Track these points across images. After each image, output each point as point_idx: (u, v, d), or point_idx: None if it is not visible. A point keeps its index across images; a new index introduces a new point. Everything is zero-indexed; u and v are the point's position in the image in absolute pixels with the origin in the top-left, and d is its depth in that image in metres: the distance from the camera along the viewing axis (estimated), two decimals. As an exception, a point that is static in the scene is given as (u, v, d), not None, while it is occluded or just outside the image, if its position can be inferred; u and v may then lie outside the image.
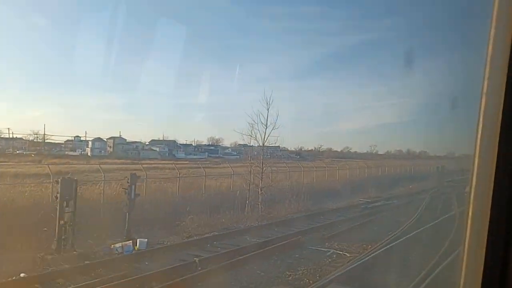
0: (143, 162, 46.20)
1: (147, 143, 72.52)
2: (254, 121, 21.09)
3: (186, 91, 74.62)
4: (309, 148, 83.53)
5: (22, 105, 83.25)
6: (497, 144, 1.26)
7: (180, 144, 73.92)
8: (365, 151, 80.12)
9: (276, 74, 77.35)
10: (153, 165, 36.38)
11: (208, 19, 60.36)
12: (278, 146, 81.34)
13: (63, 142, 72.37)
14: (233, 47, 65.87)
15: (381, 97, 78.11)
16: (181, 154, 68.21)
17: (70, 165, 33.31)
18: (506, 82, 1.25)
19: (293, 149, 79.65)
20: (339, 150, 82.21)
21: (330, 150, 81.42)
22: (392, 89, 65.57)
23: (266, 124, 21.20)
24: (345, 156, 75.32)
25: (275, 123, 21.02)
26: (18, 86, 78.88)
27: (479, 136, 1.29)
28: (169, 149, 70.76)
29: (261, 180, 20.83)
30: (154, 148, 68.84)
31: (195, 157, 63.97)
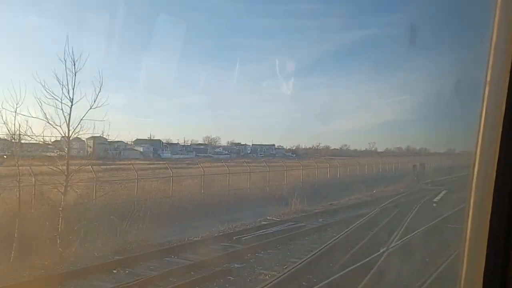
0: (118, 162, 41.59)
1: (131, 142, 67.84)
2: (52, 94, 12.41)
3: (184, 91, 73.54)
4: (308, 146, 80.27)
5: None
6: (500, 133, 1.24)
7: (167, 143, 69.05)
8: (363, 149, 78.18)
9: (275, 73, 74.09)
10: (118, 167, 31.81)
11: (205, 18, 57.16)
12: (273, 145, 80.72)
13: (50, 142, 67.39)
14: (232, 46, 63.79)
15: (382, 94, 74.57)
16: (167, 154, 63.48)
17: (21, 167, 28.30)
18: (510, 70, 1.23)
19: (289, 148, 77.44)
20: (338, 147, 79.60)
21: (327, 148, 77.74)
22: (393, 86, 63.71)
23: (72, 99, 12.59)
24: (342, 154, 72.37)
25: (95, 99, 12.83)
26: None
27: (482, 125, 1.27)
28: (154, 148, 65.85)
29: (64, 195, 12.55)
30: (138, 148, 63.94)
31: (181, 156, 59.18)
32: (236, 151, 74.32)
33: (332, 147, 78.52)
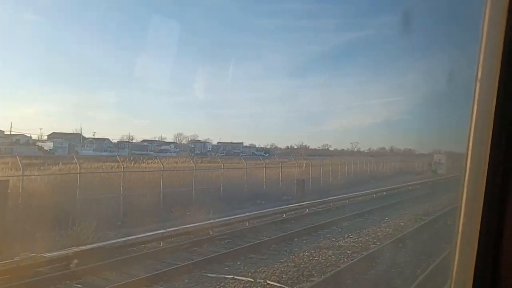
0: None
1: (44, 136, 49.98)
2: None
3: (179, 90, 73.16)
4: (290, 146, 77.10)
5: (16, 102, 71.96)
6: (491, 129, 1.26)
7: (93, 138, 51.54)
8: (345, 149, 75.78)
9: (271, 72, 79.53)
10: None
11: (202, 16, 55.39)
12: (241, 143, 74.70)
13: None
14: (228, 45, 61.96)
15: (372, 95, 77.64)
16: (88, 151, 46.55)
17: None
18: (501, 67, 1.25)
19: (263, 147, 73.89)
20: (317, 147, 76.42)
21: (306, 147, 72.16)
22: (384, 87, 63.79)
23: None
24: (322, 153, 66.88)
25: None
26: (11, 83, 70.92)
27: (473, 122, 1.28)
28: (71, 144, 48.12)
29: None
30: (47, 144, 46.12)
31: (105, 154, 42.05)
32: (191, 149, 61.61)
33: (312, 147, 74.61)
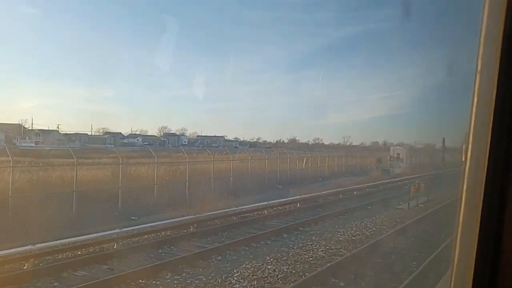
0: None
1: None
2: None
3: (177, 84, 72.60)
4: (283, 140, 74.09)
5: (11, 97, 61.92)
6: (491, 122, 1.25)
7: (39, 130, 43.48)
8: (336, 143, 70.72)
9: (270, 66, 77.58)
10: None
11: (199, 8, 54.73)
12: (222, 137, 74.07)
13: None
14: (225, 38, 61.30)
15: (375, 90, 75.00)
16: (28, 143, 38.89)
17: None
18: (500, 58, 1.24)
19: (249, 140, 72.24)
20: (306, 141, 71.26)
21: (295, 141, 69.68)
22: (382, 82, 61.86)
23: None
24: (312, 147, 62.26)
25: None
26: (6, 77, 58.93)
27: (473, 114, 1.27)
28: (8, 136, 40.16)
29: None
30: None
31: (47, 147, 34.42)
32: (161, 142, 57.48)
33: (302, 141, 71.06)
